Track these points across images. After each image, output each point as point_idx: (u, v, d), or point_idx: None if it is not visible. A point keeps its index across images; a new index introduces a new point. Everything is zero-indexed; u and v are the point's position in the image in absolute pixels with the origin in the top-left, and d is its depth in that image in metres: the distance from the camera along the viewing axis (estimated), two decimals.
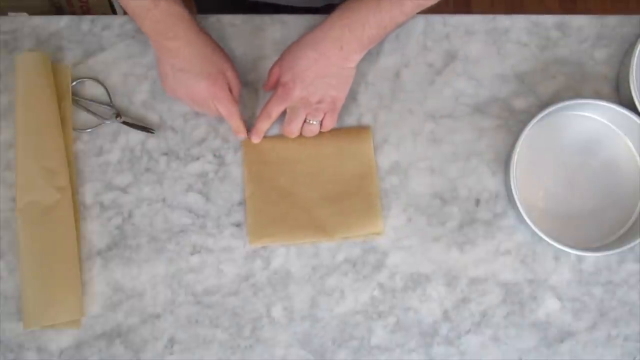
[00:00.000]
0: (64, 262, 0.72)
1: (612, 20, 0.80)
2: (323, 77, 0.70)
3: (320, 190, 0.76)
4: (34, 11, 0.82)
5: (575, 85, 0.79)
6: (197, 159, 0.77)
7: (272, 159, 0.76)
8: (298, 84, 0.70)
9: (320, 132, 0.76)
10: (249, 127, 0.76)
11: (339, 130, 0.77)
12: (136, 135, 0.77)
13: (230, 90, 0.72)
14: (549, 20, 0.80)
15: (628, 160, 0.77)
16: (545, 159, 0.77)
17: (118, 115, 0.77)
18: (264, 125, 0.75)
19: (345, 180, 0.76)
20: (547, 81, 0.79)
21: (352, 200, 0.75)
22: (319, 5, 0.82)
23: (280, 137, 0.77)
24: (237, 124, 0.74)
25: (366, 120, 0.78)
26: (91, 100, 0.77)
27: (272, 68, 0.74)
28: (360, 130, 0.77)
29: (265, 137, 0.76)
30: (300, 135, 0.76)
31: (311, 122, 0.74)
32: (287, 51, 0.73)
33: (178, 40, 0.68)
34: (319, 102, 0.72)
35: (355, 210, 0.75)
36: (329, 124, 0.75)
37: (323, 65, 0.70)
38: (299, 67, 0.70)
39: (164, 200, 0.76)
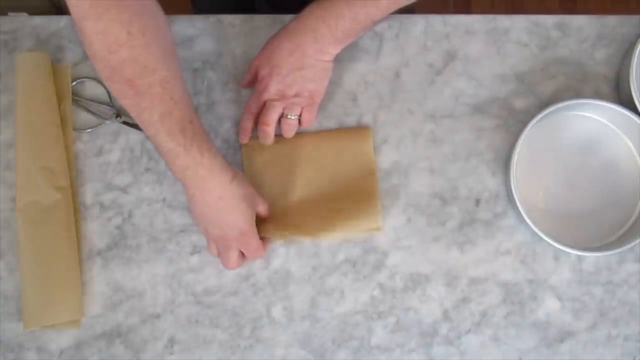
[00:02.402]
0: (64, 262, 0.72)
1: (612, 20, 0.80)
2: (299, 69, 0.70)
3: (320, 190, 0.76)
4: (34, 11, 0.82)
5: (575, 85, 0.79)
6: None
7: (271, 159, 0.76)
8: (274, 77, 0.70)
9: (319, 133, 0.76)
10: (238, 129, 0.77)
11: (339, 131, 0.77)
12: (136, 135, 0.77)
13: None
14: (549, 20, 0.80)
15: (628, 160, 0.77)
16: (545, 159, 0.77)
17: (118, 115, 0.77)
18: (248, 124, 0.74)
19: (345, 180, 0.76)
20: (547, 81, 0.79)
21: (351, 198, 0.75)
22: None
23: (280, 138, 0.77)
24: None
25: (366, 120, 0.78)
26: (91, 100, 0.77)
27: (251, 64, 0.74)
28: (360, 129, 0.77)
29: None
30: (296, 135, 0.75)
31: (289, 116, 0.73)
32: (264, 46, 0.73)
33: (205, 192, 0.65)
34: (296, 95, 0.72)
35: (355, 208, 0.75)
36: (308, 118, 0.74)
37: (298, 57, 0.69)
38: (274, 60, 0.70)
39: (164, 200, 0.76)
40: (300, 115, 0.74)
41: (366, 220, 0.75)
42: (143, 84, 0.58)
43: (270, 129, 0.73)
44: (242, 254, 0.71)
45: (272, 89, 0.71)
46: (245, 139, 0.75)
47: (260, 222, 0.74)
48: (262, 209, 0.72)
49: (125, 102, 0.60)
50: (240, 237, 0.69)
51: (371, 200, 0.75)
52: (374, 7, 0.67)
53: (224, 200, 0.66)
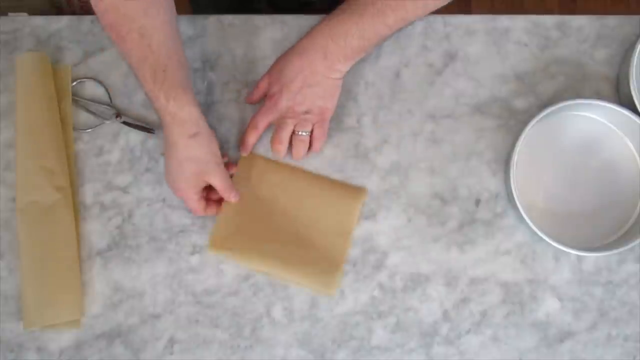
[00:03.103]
0: (64, 262, 0.72)
1: (612, 20, 0.80)
2: (309, 86, 0.71)
3: (294, 230, 0.74)
4: (34, 11, 0.82)
5: (575, 85, 0.79)
6: None
7: (262, 180, 0.75)
8: (285, 94, 0.71)
9: (317, 178, 0.76)
10: (237, 138, 0.77)
11: (336, 183, 0.76)
12: (136, 135, 0.77)
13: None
14: (549, 20, 0.80)
15: (628, 160, 0.77)
16: (545, 159, 0.77)
17: (118, 115, 0.77)
18: (251, 139, 0.74)
19: (321, 231, 0.74)
20: (547, 81, 0.79)
21: (318, 252, 0.74)
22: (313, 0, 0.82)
23: (277, 164, 0.76)
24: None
25: (366, 120, 0.78)
26: (91, 100, 0.77)
27: (260, 81, 0.75)
28: (356, 190, 0.76)
29: (264, 158, 0.76)
30: (295, 169, 0.76)
31: (300, 132, 0.73)
32: (275, 63, 0.74)
33: (165, 135, 0.68)
34: (307, 112, 0.72)
35: (318, 264, 0.73)
36: (319, 136, 0.74)
37: (309, 74, 0.70)
38: (285, 77, 0.71)
39: (164, 200, 0.76)
40: (311, 133, 0.74)
41: (322, 284, 0.73)
42: (122, 30, 0.64)
43: (283, 147, 0.74)
44: (213, 202, 0.74)
45: (282, 105, 0.72)
46: (245, 153, 0.75)
47: (226, 236, 0.73)
48: (217, 181, 0.70)
49: (115, 44, 0.66)
50: (177, 193, 0.71)
51: (335, 265, 0.74)
52: (382, 25, 0.69)
53: (176, 151, 0.67)
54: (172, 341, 0.73)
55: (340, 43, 0.69)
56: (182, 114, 0.65)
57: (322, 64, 0.70)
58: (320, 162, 0.77)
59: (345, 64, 0.71)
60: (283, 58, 0.73)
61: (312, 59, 0.70)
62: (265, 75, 0.75)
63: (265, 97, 0.74)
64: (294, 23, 0.79)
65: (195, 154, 0.68)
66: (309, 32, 0.72)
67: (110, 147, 0.77)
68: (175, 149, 0.67)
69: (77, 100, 0.77)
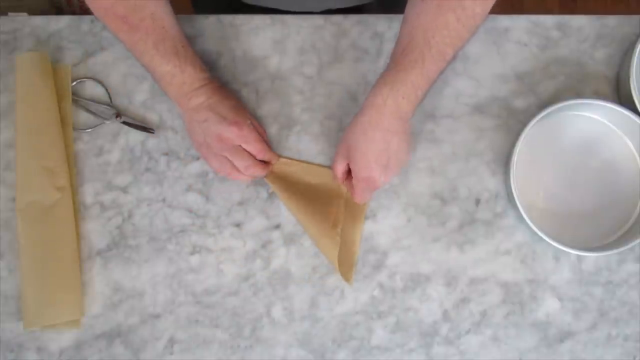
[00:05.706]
0: (64, 262, 0.72)
1: (612, 20, 0.80)
2: (397, 152, 0.68)
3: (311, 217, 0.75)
4: (34, 11, 0.82)
5: (575, 85, 0.79)
6: (197, 159, 0.77)
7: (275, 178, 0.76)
8: (387, 176, 0.69)
9: (319, 168, 0.77)
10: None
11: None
12: (136, 135, 0.77)
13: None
14: (549, 20, 0.80)
15: (628, 160, 0.77)
16: (545, 159, 0.77)
17: (118, 115, 0.77)
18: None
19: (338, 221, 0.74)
20: (547, 81, 0.79)
21: (335, 240, 0.73)
22: (317, 11, 0.82)
23: (298, 164, 0.77)
24: (269, 156, 0.74)
25: None
26: (91, 100, 0.77)
27: (335, 165, 0.72)
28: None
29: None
30: (307, 164, 0.77)
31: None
32: (356, 147, 0.68)
33: (201, 96, 0.70)
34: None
35: (335, 250, 0.73)
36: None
37: (395, 143, 0.68)
38: (381, 160, 0.68)
39: (164, 200, 0.76)
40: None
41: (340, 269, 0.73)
42: (135, 19, 0.66)
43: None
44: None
45: (381, 183, 0.70)
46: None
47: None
48: (256, 123, 0.75)
49: (121, 35, 0.68)
50: (234, 129, 0.70)
51: (350, 255, 0.75)
52: (443, 62, 0.65)
53: (214, 97, 0.71)
54: (172, 341, 0.73)
55: (412, 98, 0.65)
56: (207, 77, 0.71)
57: (402, 127, 0.67)
58: (320, 161, 0.77)
59: (415, 110, 0.68)
60: (363, 143, 0.68)
61: (390, 125, 0.66)
62: (341, 158, 0.71)
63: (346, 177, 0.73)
64: (294, 23, 0.79)
65: (230, 94, 0.74)
66: (376, 105, 0.66)
67: (110, 147, 0.77)
68: (213, 99, 0.70)
69: (77, 100, 0.77)
